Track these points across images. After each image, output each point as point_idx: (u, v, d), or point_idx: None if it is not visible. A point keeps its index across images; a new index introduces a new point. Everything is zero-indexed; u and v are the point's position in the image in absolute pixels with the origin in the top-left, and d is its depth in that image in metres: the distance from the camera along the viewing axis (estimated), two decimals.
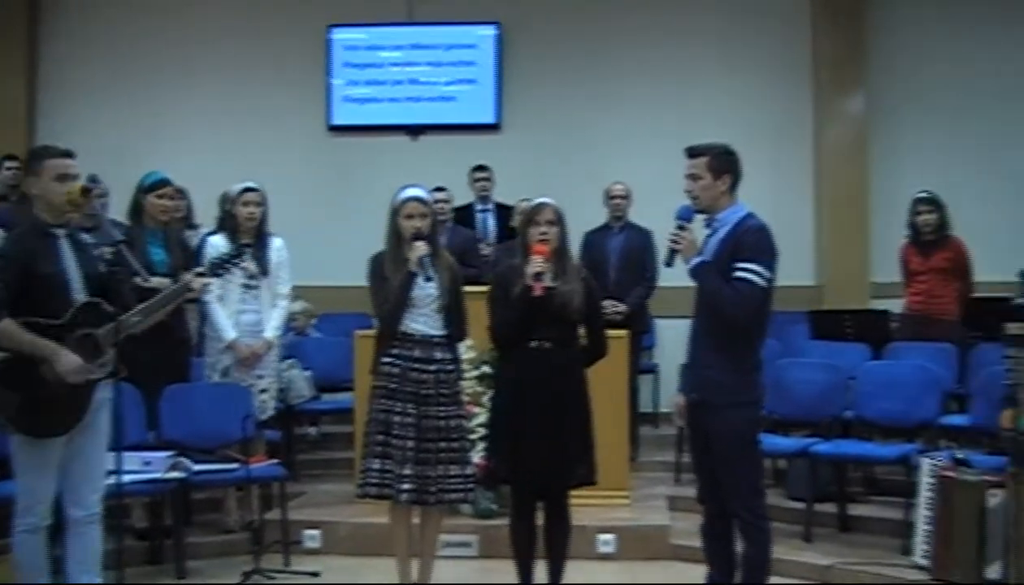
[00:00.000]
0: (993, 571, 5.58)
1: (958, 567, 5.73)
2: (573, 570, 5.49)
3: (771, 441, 6.15)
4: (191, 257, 6.69)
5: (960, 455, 6.05)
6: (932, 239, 7.79)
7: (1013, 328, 5.40)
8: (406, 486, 5.27)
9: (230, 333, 6.64)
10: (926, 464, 6.08)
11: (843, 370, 7.17)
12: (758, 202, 5.08)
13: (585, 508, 6.05)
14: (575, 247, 6.36)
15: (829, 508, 6.86)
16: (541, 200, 5.36)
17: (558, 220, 5.29)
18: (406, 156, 10.18)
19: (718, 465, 4.92)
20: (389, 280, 5.36)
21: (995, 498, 5.60)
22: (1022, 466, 5.22)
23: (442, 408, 5.39)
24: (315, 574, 6.20)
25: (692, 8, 10.27)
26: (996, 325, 5.76)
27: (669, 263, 4.98)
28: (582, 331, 5.40)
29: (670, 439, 8.13)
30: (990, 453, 6.15)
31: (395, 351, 5.38)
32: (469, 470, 5.47)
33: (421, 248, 5.31)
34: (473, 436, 5.99)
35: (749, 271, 4.76)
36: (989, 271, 8.12)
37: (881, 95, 10.03)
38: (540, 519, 5.40)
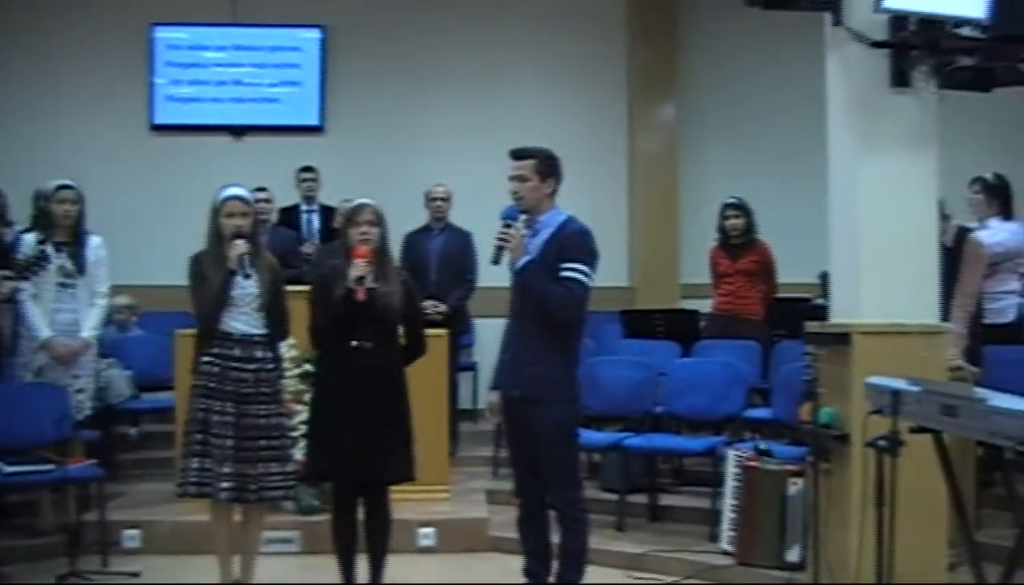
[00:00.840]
0: (792, 554, 5.87)
1: (761, 551, 6.00)
2: (395, 563, 5.55)
3: (585, 435, 6.24)
4: (6, 255, 6.55)
5: (763, 446, 6.30)
6: (740, 242, 8.06)
7: (812, 326, 5.57)
8: (225, 484, 5.26)
9: (44, 332, 6.51)
10: (731, 455, 6.32)
11: (654, 367, 7.39)
12: (574, 206, 5.22)
13: (406, 502, 6.15)
14: (396, 248, 6.44)
15: (641, 499, 7.08)
16: (361, 201, 5.40)
17: (378, 221, 5.34)
18: (229, 156, 10.13)
19: (539, 459, 5.04)
20: (209, 279, 5.34)
21: (795, 486, 5.89)
22: (820, 456, 5.39)
23: (262, 406, 5.39)
24: (135, 574, 6.11)
25: (514, 17, 10.46)
26: (797, 324, 5.92)
27: (496, 261, 5.08)
28: (402, 330, 5.47)
29: (488, 434, 8.27)
30: (791, 444, 6.37)
31: (215, 350, 5.36)
32: (290, 467, 5.48)
33: (240, 246, 5.31)
34: (295, 434, 5.99)
35: (576, 271, 4.92)
36: (792, 273, 8.42)
37: (691, 105, 10.44)
38: (362, 514, 5.46)
